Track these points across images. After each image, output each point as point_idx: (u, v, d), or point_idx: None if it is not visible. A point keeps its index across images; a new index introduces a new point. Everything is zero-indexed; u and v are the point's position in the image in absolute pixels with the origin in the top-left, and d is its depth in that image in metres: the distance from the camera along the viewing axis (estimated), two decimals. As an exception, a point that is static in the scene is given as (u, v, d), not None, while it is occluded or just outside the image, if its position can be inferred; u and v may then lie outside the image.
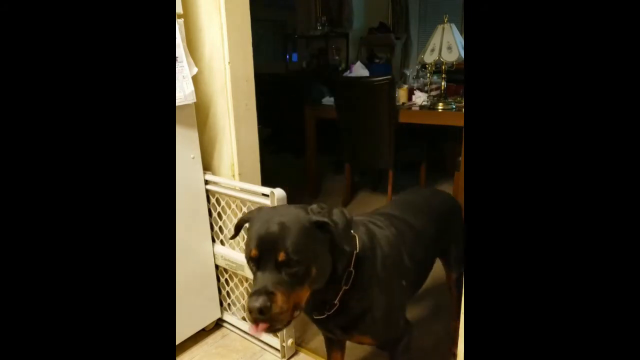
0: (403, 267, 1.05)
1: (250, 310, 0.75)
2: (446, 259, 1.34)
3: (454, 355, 1.49)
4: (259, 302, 0.74)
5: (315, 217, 0.82)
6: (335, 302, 0.91)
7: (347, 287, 0.90)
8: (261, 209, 0.89)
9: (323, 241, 0.83)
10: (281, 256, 0.77)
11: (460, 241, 1.32)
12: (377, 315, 0.96)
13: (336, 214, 0.83)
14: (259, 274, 0.78)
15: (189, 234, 1.40)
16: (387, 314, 0.98)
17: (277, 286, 0.76)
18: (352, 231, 0.86)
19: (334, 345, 1.18)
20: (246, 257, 0.82)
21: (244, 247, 1.45)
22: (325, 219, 0.82)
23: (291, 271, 0.77)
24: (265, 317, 0.74)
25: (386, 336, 1.02)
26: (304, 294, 0.81)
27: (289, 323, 0.79)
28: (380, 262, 0.97)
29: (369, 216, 1.12)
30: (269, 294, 0.75)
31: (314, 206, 0.85)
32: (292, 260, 0.77)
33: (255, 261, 0.79)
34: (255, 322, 0.76)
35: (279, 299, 0.75)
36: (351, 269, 0.90)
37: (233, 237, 0.96)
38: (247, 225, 0.89)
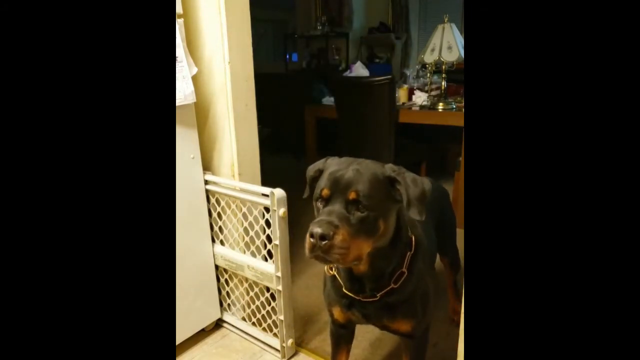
0: (432, 261, 1.08)
1: (311, 235, 0.74)
2: (441, 244, 1.33)
3: (455, 321, 1.52)
4: (321, 229, 0.74)
5: (389, 173, 0.82)
6: (393, 284, 0.90)
7: (403, 270, 0.90)
8: (332, 158, 0.89)
9: (393, 199, 0.83)
10: (352, 195, 0.77)
11: (449, 225, 1.37)
12: (424, 299, 0.97)
13: (411, 179, 0.82)
14: (327, 208, 0.78)
15: (189, 234, 1.39)
16: (429, 300, 1.00)
17: (342, 222, 0.76)
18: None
19: (343, 344, 1.16)
20: (315, 197, 0.83)
21: (243, 247, 1.46)
22: (399, 178, 0.81)
23: (359, 215, 0.77)
24: (324, 246, 0.74)
25: (422, 325, 1.01)
26: (366, 246, 0.80)
27: (342, 261, 0.77)
28: (425, 252, 0.99)
29: None
30: (333, 225, 0.75)
31: (391, 164, 0.85)
32: (361, 202, 0.77)
33: (325, 200, 0.80)
34: (312, 249, 0.75)
35: (341, 234, 0.75)
36: (411, 251, 0.91)
37: (309, 195, 0.93)
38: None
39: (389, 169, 0.84)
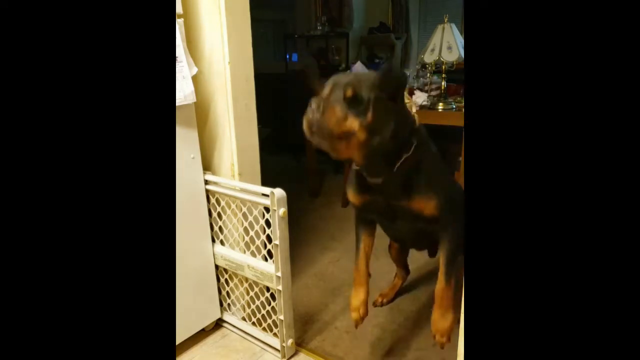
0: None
1: (307, 113, 0.85)
2: None
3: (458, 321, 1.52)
4: (315, 103, 0.86)
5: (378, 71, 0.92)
6: (404, 153, 0.97)
7: (408, 154, 0.97)
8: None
9: (391, 107, 0.92)
10: (349, 92, 0.86)
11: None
12: (441, 176, 1.05)
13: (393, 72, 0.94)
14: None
15: (189, 233, 1.39)
16: (448, 180, 1.09)
17: (336, 103, 0.86)
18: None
19: (367, 227, 1.21)
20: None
21: (243, 247, 1.46)
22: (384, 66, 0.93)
23: (358, 108, 0.87)
24: (318, 119, 0.85)
25: (447, 206, 1.03)
26: (361, 132, 0.88)
27: (334, 137, 0.87)
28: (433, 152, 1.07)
29: None
30: (329, 102, 0.87)
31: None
32: (357, 97, 0.86)
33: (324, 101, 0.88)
34: (310, 126, 0.87)
35: (336, 110, 0.86)
36: (416, 143, 0.99)
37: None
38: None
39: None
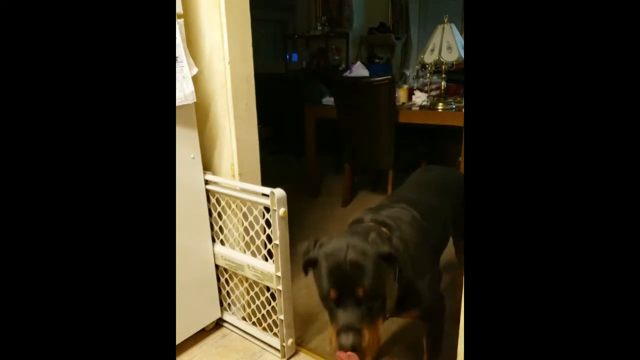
0: (428, 243, 1.11)
1: (342, 348, 0.77)
2: (454, 232, 1.38)
3: (457, 320, 1.53)
4: (350, 340, 0.77)
5: (380, 250, 0.84)
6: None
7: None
8: (321, 244, 0.89)
9: (390, 271, 0.87)
10: (359, 292, 0.80)
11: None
12: (423, 288, 1.02)
13: (396, 242, 0.88)
14: (341, 311, 0.81)
15: (189, 234, 1.39)
16: (432, 285, 1.06)
17: (362, 322, 0.79)
18: (384, 230, 0.92)
19: None
20: (322, 296, 0.84)
21: (243, 247, 1.46)
22: (392, 252, 0.85)
23: (370, 305, 0.81)
24: (357, 355, 0.77)
25: (430, 305, 1.07)
26: (382, 325, 0.85)
27: (373, 355, 0.81)
28: (411, 246, 1.01)
29: (391, 204, 1.17)
30: (357, 330, 0.78)
31: (373, 235, 0.86)
32: (369, 295, 0.80)
33: (335, 301, 0.82)
34: (343, 353, 0.78)
35: (367, 334, 0.79)
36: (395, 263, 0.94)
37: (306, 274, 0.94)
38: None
39: (375, 243, 0.84)
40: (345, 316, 0.80)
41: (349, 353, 0.78)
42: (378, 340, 0.83)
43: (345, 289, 0.81)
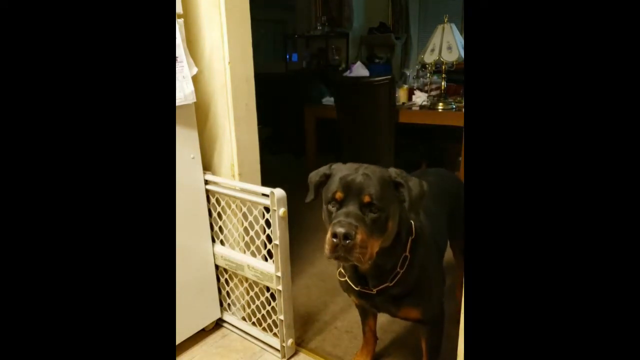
0: (438, 249, 1.13)
1: (334, 235, 0.78)
2: (452, 236, 1.38)
3: (458, 320, 1.53)
4: (344, 228, 0.78)
5: (394, 177, 0.89)
6: (399, 269, 0.96)
7: (407, 254, 0.96)
8: (336, 164, 0.94)
9: (398, 201, 0.89)
10: (366, 198, 0.82)
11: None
12: (429, 285, 1.03)
13: (412, 182, 0.89)
14: (343, 210, 0.83)
15: (189, 234, 1.39)
16: (434, 289, 1.06)
17: (360, 223, 0.81)
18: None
19: (369, 311, 1.24)
20: (327, 200, 0.87)
21: (243, 247, 1.46)
22: (402, 181, 0.88)
23: (373, 216, 0.83)
24: (347, 245, 0.78)
25: (432, 308, 1.07)
26: (377, 245, 0.86)
27: (362, 259, 0.82)
28: (427, 244, 1.04)
29: None
30: (354, 226, 0.79)
31: (393, 168, 0.91)
32: (375, 204, 0.82)
33: (339, 203, 0.84)
34: (335, 249, 0.79)
35: (360, 234, 0.79)
36: (412, 235, 0.98)
37: (313, 199, 0.98)
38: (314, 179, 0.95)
39: (394, 172, 0.90)
40: (345, 214, 0.81)
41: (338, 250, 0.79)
42: (370, 251, 0.83)
43: (351, 193, 0.83)
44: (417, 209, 0.87)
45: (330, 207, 0.86)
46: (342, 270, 1.04)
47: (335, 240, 0.79)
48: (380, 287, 0.98)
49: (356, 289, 1.01)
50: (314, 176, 0.96)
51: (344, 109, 2.65)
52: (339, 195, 0.84)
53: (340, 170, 0.89)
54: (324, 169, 0.95)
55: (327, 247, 0.81)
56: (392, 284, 0.97)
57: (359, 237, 0.79)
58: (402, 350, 1.45)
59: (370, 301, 1.05)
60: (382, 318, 1.60)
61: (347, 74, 3.31)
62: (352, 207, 0.82)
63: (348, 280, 1.03)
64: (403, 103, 2.75)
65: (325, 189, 0.90)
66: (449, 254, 1.41)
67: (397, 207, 0.89)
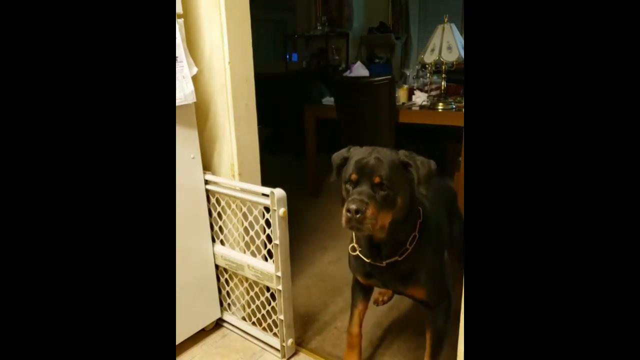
0: (441, 238, 1.23)
1: (348, 210, 0.91)
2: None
3: (457, 319, 1.53)
4: (356, 205, 0.91)
5: (403, 158, 1.00)
6: (408, 246, 1.06)
7: (416, 234, 1.07)
8: (354, 148, 1.06)
9: (407, 180, 1.01)
10: (377, 179, 0.95)
11: (458, 226, 1.44)
12: (434, 268, 1.12)
13: (420, 161, 1.00)
14: (357, 189, 0.96)
15: (189, 233, 1.39)
16: (440, 271, 1.16)
17: (371, 200, 0.93)
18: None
19: (363, 296, 1.30)
20: (344, 181, 1.01)
21: (243, 247, 1.46)
22: (410, 162, 0.99)
23: (383, 194, 0.95)
24: (358, 218, 0.91)
25: (437, 292, 1.14)
26: (388, 217, 0.98)
27: (372, 229, 0.94)
28: (432, 231, 1.14)
29: None
30: (364, 202, 0.92)
31: (403, 151, 1.02)
32: (384, 184, 0.95)
33: (354, 183, 0.97)
34: (348, 221, 0.92)
35: (371, 209, 0.92)
36: (421, 219, 1.09)
37: (335, 180, 1.10)
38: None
39: (402, 154, 1.01)
40: (359, 193, 0.95)
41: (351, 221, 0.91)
42: (380, 223, 0.95)
43: (364, 175, 0.96)
44: (426, 184, 0.98)
45: (347, 186, 0.99)
46: (355, 245, 1.12)
47: (349, 214, 0.91)
48: (390, 260, 1.06)
49: (367, 261, 1.10)
50: (336, 158, 1.08)
51: (344, 109, 2.65)
52: (353, 176, 0.97)
53: (357, 154, 1.01)
54: (343, 152, 1.07)
55: (343, 219, 0.93)
56: (401, 259, 1.06)
57: (369, 211, 0.91)
58: (404, 347, 1.45)
59: (378, 276, 1.13)
60: (381, 318, 1.61)
61: (347, 74, 3.31)
62: (364, 187, 0.95)
63: (360, 255, 1.11)
64: (403, 103, 2.75)
65: (344, 171, 1.03)
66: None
67: (407, 185, 1.01)
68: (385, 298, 1.72)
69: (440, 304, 1.15)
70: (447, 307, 1.16)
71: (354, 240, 1.14)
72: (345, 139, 2.71)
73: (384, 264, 1.08)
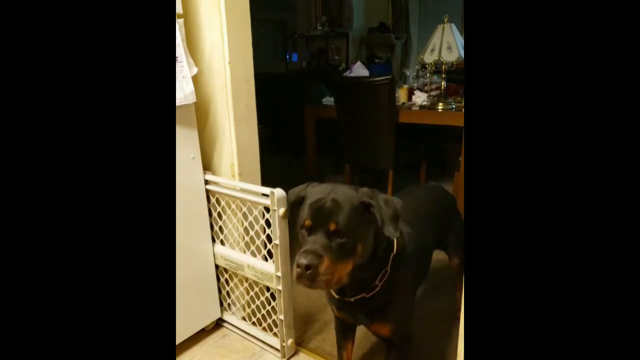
0: (418, 266, 1.13)
1: (298, 266, 0.82)
2: (446, 248, 1.42)
3: (458, 318, 1.48)
4: (307, 260, 0.81)
5: (364, 198, 0.89)
6: (377, 282, 0.97)
7: (387, 269, 0.98)
8: (312, 185, 0.96)
9: (369, 222, 0.90)
10: (332, 226, 0.84)
11: (458, 231, 1.40)
12: (404, 304, 1.05)
13: (384, 200, 0.89)
14: (311, 238, 0.86)
15: (189, 234, 1.39)
16: (408, 307, 1.08)
17: (325, 251, 0.84)
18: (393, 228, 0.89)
19: (347, 335, 1.23)
20: (299, 225, 0.90)
21: (243, 246, 1.46)
22: (372, 202, 0.88)
23: (340, 242, 0.85)
24: (309, 275, 0.81)
25: (402, 331, 1.07)
26: (347, 267, 0.88)
27: (326, 286, 0.86)
28: (409, 262, 1.05)
29: None
30: (318, 255, 0.83)
31: (365, 189, 0.92)
32: (341, 231, 0.84)
33: (308, 229, 0.87)
34: (299, 277, 0.83)
35: (326, 262, 0.83)
36: (394, 251, 0.99)
37: (288, 217, 1.01)
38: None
39: (363, 194, 0.90)
40: (312, 242, 0.85)
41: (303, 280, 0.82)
42: (337, 276, 0.86)
43: (319, 221, 0.85)
44: (391, 227, 0.87)
45: (302, 231, 0.89)
46: None
47: (298, 270, 0.82)
48: (357, 297, 0.99)
49: (336, 297, 1.03)
50: (291, 195, 0.99)
51: (344, 109, 2.65)
52: (307, 222, 0.87)
53: (313, 194, 0.91)
54: (301, 189, 0.97)
55: (293, 274, 0.84)
56: (368, 296, 0.98)
57: (322, 265, 0.82)
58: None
59: (347, 311, 1.07)
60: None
61: (347, 74, 3.31)
62: (319, 236, 0.85)
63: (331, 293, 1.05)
64: (403, 103, 2.75)
65: (299, 213, 0.92)
66: (438, 255, 1.42)
67: (369, 228, 0.91)
68: None
69: (404, 342, 1.09)
70: (407, 346, 1.10)
71: None
72: (345, 139, 2.72)
73: (352, 299, 1.00)
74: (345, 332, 1.22)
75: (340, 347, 1.24)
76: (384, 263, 0.98)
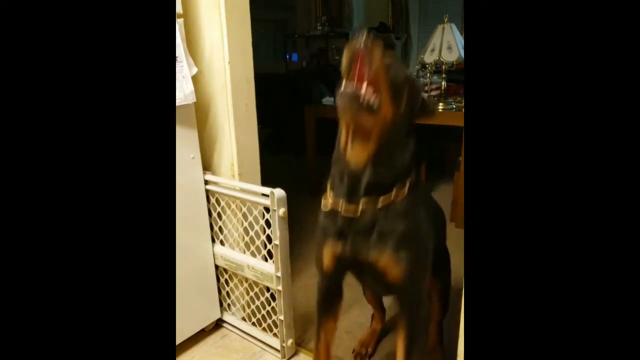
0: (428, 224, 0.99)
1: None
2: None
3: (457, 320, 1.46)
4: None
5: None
6: (392, 198, 0.87)
7: (399, 191, 0.87)
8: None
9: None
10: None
11: (444, 252, 1.27)
12: (421, 242, 0.92)
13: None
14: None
15: (189, 234, 1.39)
16: (425, 256, 0.94)
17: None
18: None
19: (329, 308, 1.07)
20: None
21: (243, 247, 1.46)
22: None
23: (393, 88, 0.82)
24: (354, 93, 0.81)
25: (414, 282, 0.92)
26: (391, 108, 0.83)
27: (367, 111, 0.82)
28: (420, 209, 0.94)
29: None
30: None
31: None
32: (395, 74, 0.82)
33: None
34: (343, 97, 0.83)
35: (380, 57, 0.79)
36: (412, 177, 0.90)
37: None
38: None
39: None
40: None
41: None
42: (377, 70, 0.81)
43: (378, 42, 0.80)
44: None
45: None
46: (329, 192, 0.95)
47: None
48: (369, 201, 0.87)
49: (340, 211, 0.90)
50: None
51: (344, 109, 2.64)
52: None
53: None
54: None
55: (339, 103, 0.85)
56: (381, 207, 0.87)
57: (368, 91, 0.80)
58: None
59: (350, 236, 0.90)
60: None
61: (347, 74, 3.30)
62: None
63: (334, 198, 0.93)
64: (403, 103, 2.74)
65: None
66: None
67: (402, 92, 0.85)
68: (370, 350, 1.45)
69: (418, 297, 0.94)
70: (423, 303, 0.96)
71: (328, 187, 0.96)
72: (345, 139, 2.71)
73: (358, 211, 0.87)
74: (328, 303, 1.05)
75: (320, 325, 1.06)
76: (408, 167, 0.89)
